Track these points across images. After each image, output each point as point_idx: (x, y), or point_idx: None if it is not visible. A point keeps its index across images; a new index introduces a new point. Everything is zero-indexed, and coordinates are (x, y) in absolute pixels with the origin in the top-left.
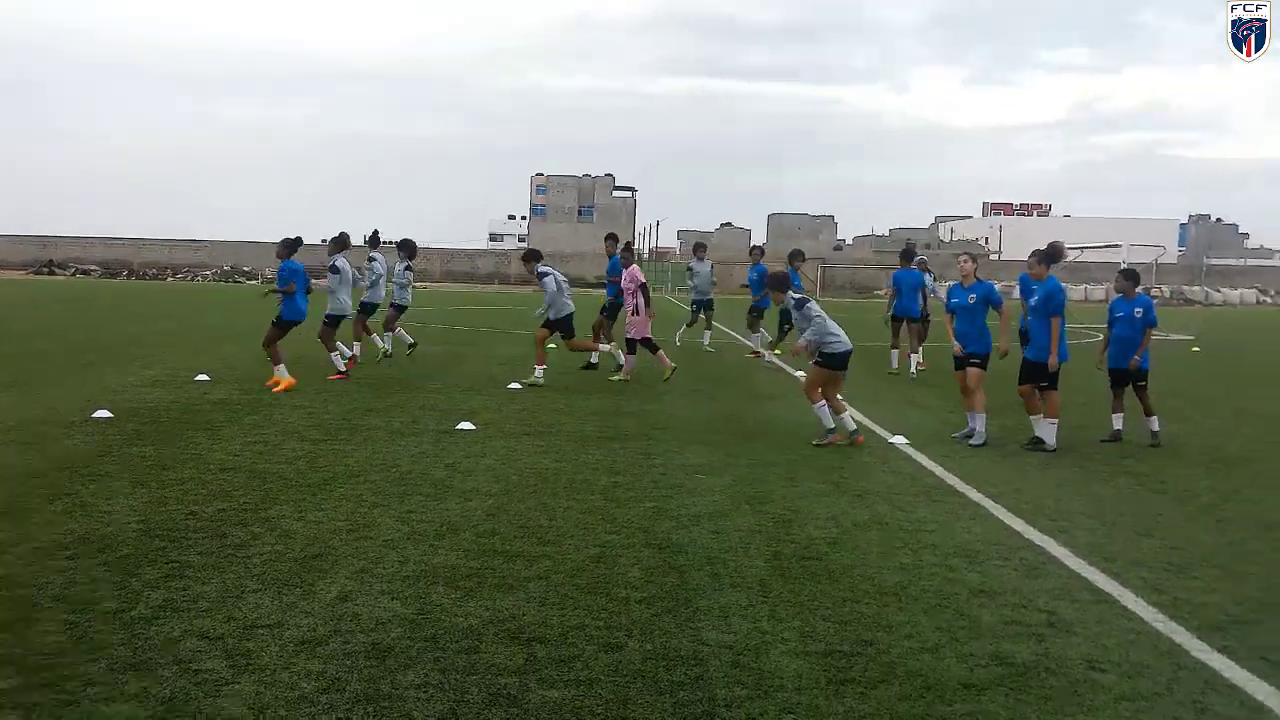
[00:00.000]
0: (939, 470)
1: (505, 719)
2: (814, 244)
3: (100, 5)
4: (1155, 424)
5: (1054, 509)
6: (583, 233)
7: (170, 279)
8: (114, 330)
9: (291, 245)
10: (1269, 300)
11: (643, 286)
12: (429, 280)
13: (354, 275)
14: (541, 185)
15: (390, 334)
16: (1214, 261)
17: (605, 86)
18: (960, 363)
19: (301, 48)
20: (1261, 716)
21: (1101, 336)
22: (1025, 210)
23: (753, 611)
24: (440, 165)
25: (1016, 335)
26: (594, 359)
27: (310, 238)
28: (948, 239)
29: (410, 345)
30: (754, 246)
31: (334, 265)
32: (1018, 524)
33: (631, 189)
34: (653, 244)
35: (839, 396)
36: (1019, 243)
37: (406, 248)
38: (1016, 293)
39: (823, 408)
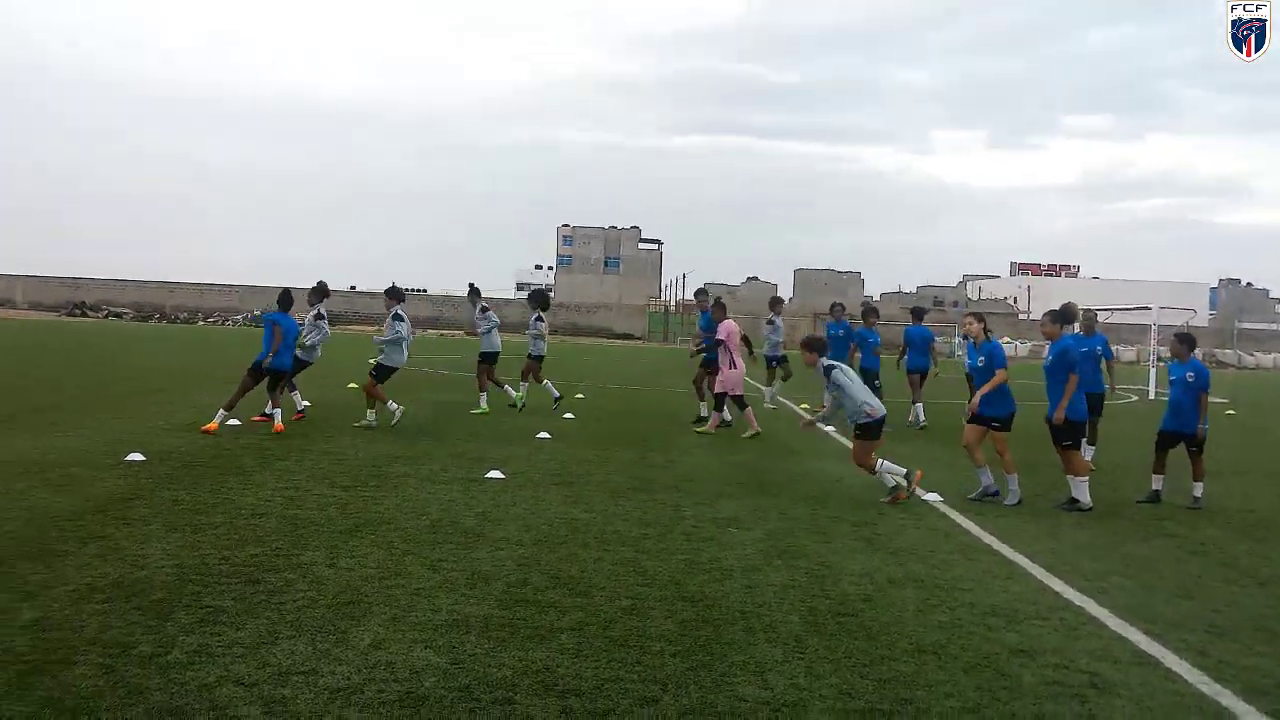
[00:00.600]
0: (974, 528)
1: None
2: (842, 300)
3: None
4: (1199, 489)
5: (1090, 569)
6: (609, 284)
7: (202, 322)
8: (145, 372)
9: (320, 292)
10: None
11: (744, 339)
12: (457, 328)
13: (300, 328)
14: (568, 236)
15: (525, 384)
16: (1245, 325)
17: (627, 143)
18: (975, 420)
19: (331, 93)
20: None
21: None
22: (1053, 270)
23: (789, 668)
24: (461, 212)
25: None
26: (703, 413)
27: (336, 285)
28: (975, 297)
29: (556, 398)
30: (834, 303)
31: (396, 314)
32: (1056, 583)
33: (658, 241)
34: (679, 297)
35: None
36: (1046, 303)
37: (537, 299)
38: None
39: (882, 465)
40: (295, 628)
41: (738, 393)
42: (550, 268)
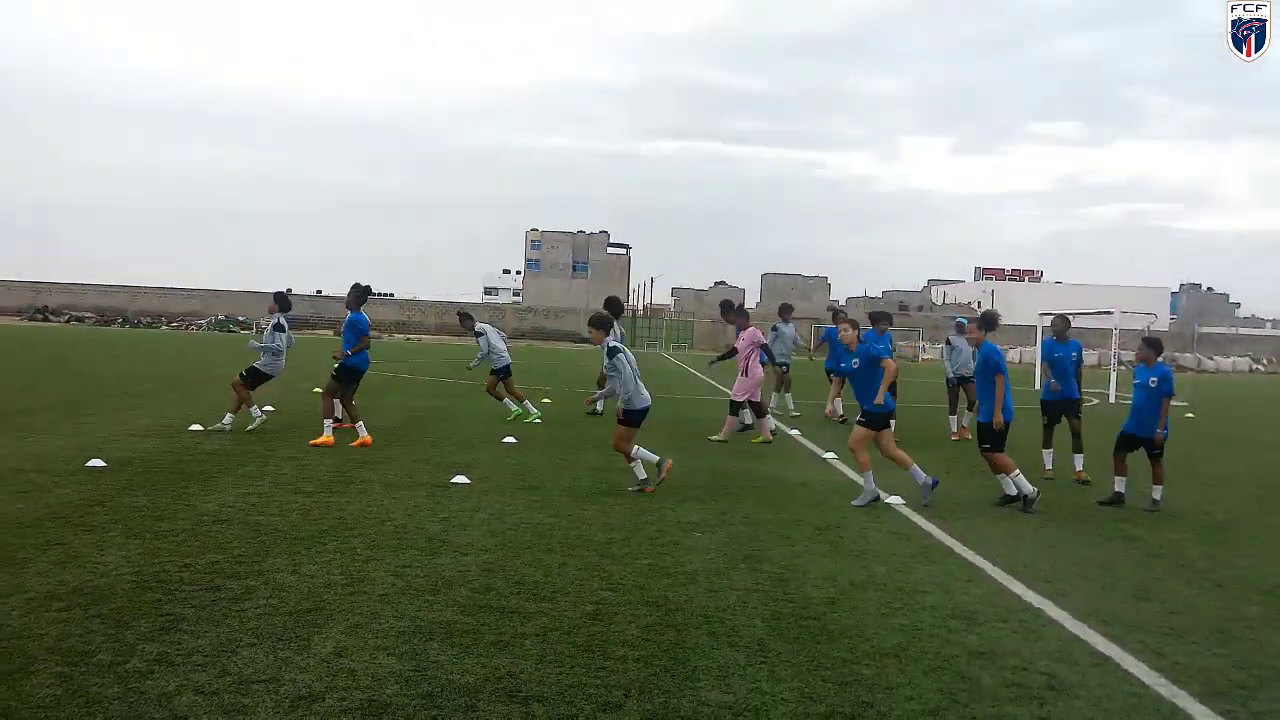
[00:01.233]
0: (935, 531)
1: None
2: (808, 304)
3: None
4: (1159, 492)
5: (1050, 571)
6: (577, 288)
7: (165, 327)
8: (106, 378)
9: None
10: (1261, 368)
11: (764, 347)
12: (425, 332)
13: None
14: (536, 240)
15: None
16: (1206, 330)
17: (596, 148)
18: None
19: (301, 96)
20: None
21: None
22: (1017, 275)
23: (752, 671)
24: (430, 217)
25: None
26: (749, 422)
27: (301, 289)
28: (940, 302)
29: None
30: (836, 308)
31: (278, 324)
32: (1016, 586)
33: (626, 246)
34: (646, 301)
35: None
36: (1011, 308)
37: (612, 307)
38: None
39: (638, 452)
40: (256, 635)
41: (755, 398)
42: (519, 272)
